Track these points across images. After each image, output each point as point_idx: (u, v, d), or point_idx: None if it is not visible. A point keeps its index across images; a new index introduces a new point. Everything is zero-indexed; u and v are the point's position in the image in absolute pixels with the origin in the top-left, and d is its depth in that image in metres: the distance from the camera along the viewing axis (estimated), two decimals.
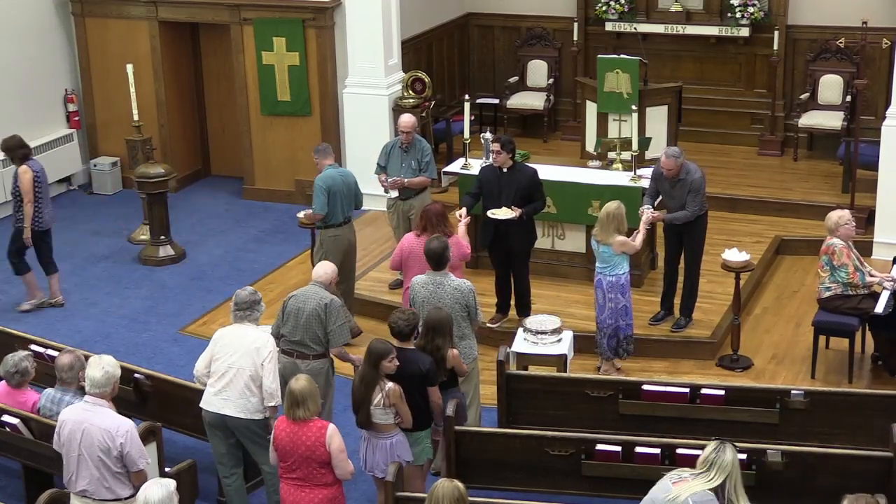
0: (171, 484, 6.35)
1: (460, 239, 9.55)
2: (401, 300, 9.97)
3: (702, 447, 7.73)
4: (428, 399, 7.91)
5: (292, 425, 7.13)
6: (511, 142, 10.36)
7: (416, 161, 11.25)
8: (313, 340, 8.49)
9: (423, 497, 6.56)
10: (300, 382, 7.14)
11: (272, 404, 7.94)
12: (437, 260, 8.64)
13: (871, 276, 9.94)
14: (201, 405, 8.08)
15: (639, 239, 9.90)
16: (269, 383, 7.87)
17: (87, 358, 8.39)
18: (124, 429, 7.04)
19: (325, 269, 8.72)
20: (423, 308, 8.50)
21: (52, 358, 8.64)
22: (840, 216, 9.90)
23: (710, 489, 6.30)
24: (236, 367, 7.90)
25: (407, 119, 11.29)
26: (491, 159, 10.40)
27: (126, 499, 7.09)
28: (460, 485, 6.28)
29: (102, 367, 7.16)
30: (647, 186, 10.68)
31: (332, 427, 7.16)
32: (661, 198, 10.48)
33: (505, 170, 10.33)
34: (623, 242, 9.68)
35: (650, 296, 11.09)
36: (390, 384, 7.60)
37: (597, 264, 9.88)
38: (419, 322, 8.09)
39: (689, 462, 7.72)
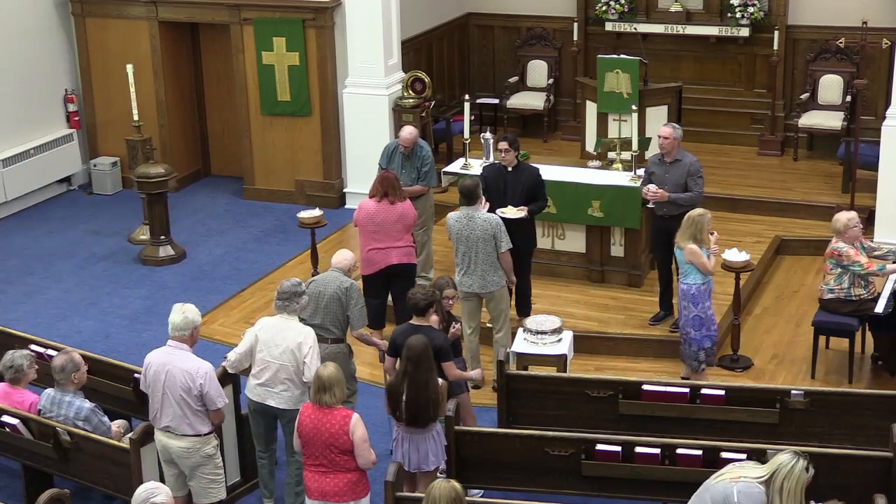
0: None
1: (413, 207, 10.41)
2: None
3: (701, 447, 7.79)
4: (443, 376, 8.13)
5: (317, 411, 7.25)
6: (517, 140, 10.46)
7: (416, 169, 11.25)
8: (333, 324, 8.71)
9: (422, 497, 6.56)
10: (328, 369, 7.30)
11: None
12: (469, 196, 9.61)
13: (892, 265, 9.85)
14: (245, 393, 8.33)
15: (712, 260, 9.60)
16: (310, 376, 7.96)
17: (84, 358, 8.46)
18: (203, 370, 7.61)
19: (345, 255, 8.94)
20: (458, 241, 9.65)
21: (52, 357, 8.64)
22: (850, 218, 9.83)
23: (758, 481, 6.34)
24: (279, 362, 8.07)
25: (406, 134, 11.23)
26: (499, 158, 10.41)
27: (205, 435, 7.72)
28: (457, 485, 6.30)
29: (183, 312, 7.74)
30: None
31: (356, 416, 7.29)
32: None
33: (510, 169, 10.36)
34: (693, 252, 9.44)
35: (650, 296, 11.10)
36: (441, 381, 7.76)
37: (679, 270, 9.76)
38: (437, 298, 8.44)
39: (690, 462, 7.74)
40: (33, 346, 9.24)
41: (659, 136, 10.41)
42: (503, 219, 10.27)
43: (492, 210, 10.31)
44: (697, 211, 9.61)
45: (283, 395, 8.08)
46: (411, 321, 8.28)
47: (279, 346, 8.06)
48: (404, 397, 7.64)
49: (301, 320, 8.63)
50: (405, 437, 7.81)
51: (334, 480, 7.30)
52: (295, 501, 8.31)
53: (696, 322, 9.61)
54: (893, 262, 9.90)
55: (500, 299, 9.87)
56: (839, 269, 9.81)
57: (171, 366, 7.65)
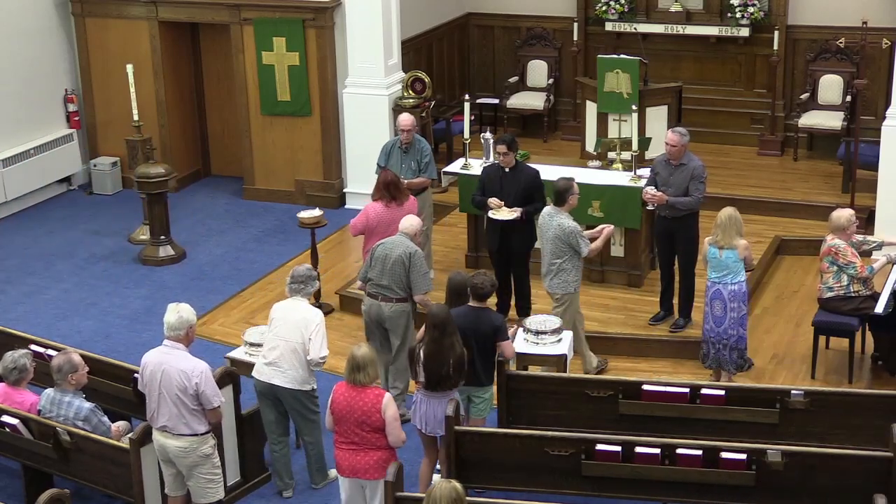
0: None
1: (415, 202, 10.43)
2: None
3: (701, 447, 7.78)
4: (494, 355, 8.50)
5: (351, 390, 7.47)
6: (515, 141, 10.46)
7: (415, 162, 11.25)
8: (397, 285, 9.18)
9: (423, 497, 6.56)
10: (362, 349, 7.55)
11: (318, 369, 8.50)
12: (556, 196, 9.64)
13: (876, 259, 9.92)
14: (252, 374, 8.55)
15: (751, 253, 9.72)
16: (315, 355, 8.29)
17: (84, 358, 8.46)
18: (199, 370, 7.66)
19: (412, 221, 9.41)
20: (539, 237, 9.79)
21: (52, 357, 8.64)
22: (851, 214, 9.87)
23: None
24: (286, 339, 8.34)
25: (406, 118, 11.27)
26: (498, 160, 10.42)
27: (202, 434, 7.74)
28: (458, 485, 6.30)
29: (178, 311, 7.77)
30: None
31: (388, 395, 7.53)
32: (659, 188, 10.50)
33: (507, 169, 10.35)
34: (747, 246, 9.49)
35: (650, 296, 11.09)
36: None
37: (712, 274, 9.58)
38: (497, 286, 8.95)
39: (690, 462, 7.73)
40: (33, 346, 9.24)
41: (666, 144, 10.34)
42: (494, 219, 10.29)
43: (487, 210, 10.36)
44: (728, 211, 9.57)
45: (288, 373, 8.32)
46: (470, 304, 8.51)
47: (287, 323, 8.36)
48: (424, 362, 7.95)
49: (367, 280, 9.22)
50: (423, 401, 8.11)
51: (365, 458, 7.52)
52: (318, 478, 8.67)
53: (744, 320, 9.66)
54: (885, 255, 9.93)
55: (561, 304, 9.74)
56: (836, 267, 9.82)
57: (167, 365, 7.72)
